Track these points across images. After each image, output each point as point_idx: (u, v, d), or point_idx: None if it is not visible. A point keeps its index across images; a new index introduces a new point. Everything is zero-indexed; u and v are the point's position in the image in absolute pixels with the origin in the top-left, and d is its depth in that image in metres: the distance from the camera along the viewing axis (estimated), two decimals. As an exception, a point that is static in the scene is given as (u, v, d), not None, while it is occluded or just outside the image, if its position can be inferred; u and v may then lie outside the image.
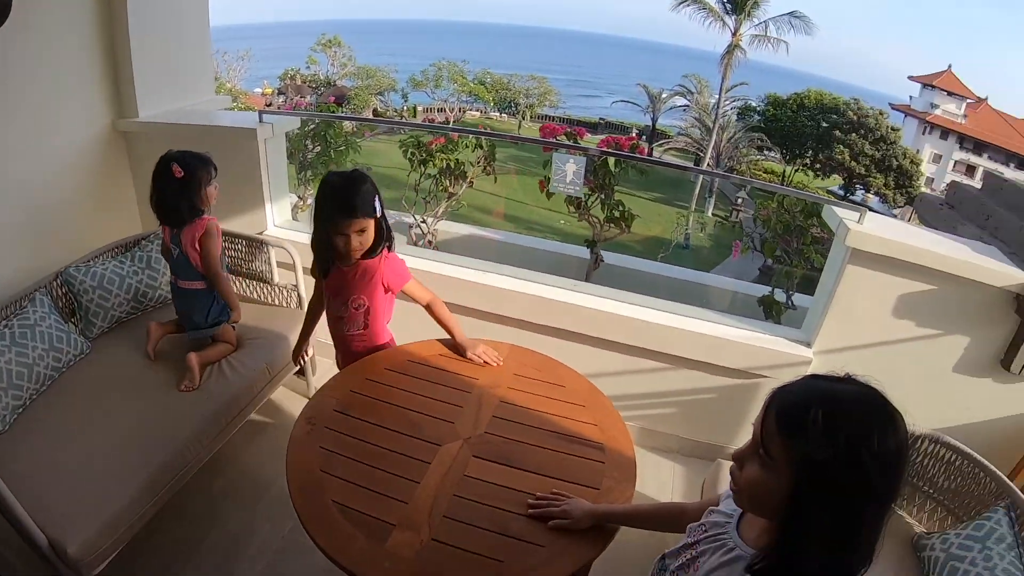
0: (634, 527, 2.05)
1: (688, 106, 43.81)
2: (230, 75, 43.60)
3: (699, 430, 3.88)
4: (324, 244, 2.69)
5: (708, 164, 36.67)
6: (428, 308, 2.95)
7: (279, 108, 39.68)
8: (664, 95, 46.77)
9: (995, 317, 3.33)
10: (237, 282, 3.92)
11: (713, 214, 36.64)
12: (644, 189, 37.54)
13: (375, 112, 47.21)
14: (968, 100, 49.12)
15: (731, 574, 1.42)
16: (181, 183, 3.13)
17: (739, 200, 37.28)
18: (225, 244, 3.74)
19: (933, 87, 49.25)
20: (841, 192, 40.71)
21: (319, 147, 5.41)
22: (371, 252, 2.72)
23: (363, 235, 2.63)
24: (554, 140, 4.35)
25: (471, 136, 5.14)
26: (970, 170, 47.57)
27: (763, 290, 4.97)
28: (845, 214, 3.24)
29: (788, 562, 1.26)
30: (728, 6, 35.18)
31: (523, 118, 48.11)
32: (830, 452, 1.17)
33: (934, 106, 49.03)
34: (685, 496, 3.63)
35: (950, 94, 48.91)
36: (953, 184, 4.37)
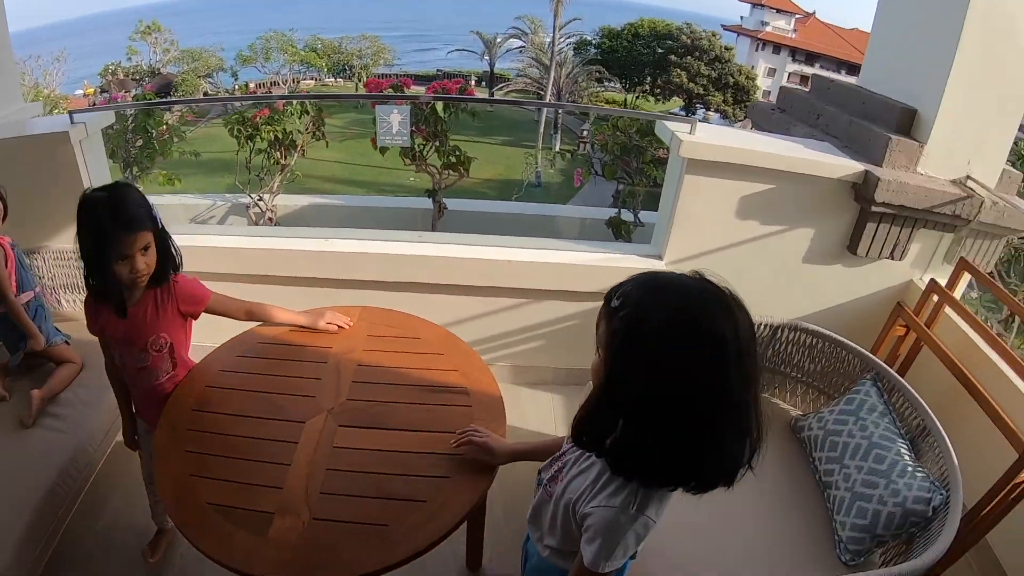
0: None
1: (524, 47, 43.75)
2: (47, 80, 40.69)
3: (569, 357, 3.87)
4: (105, 282, 2.19)
5: (549, 101, 36.98)
6: (248, 317, 2.59)
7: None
8: (499, 39, 46.55)
9: (836, 207, 3.48)
10: (73, 300, 3.61)
11: (561, 149, 36.91)
12: (488, 134, 37.63)
13: (205, 95, 45.13)
14: (797, 15, 51.91)
15: (588, 475, 1.48)
16: None
17: (584, 132, 37.62)
18: (53, 260, 3.52)
19: (762, 6, 51.61)
20: (683, 113, 41.74)
21: (141, 140, 5.02)
22: (158, 278, 2.26)
23: (148, 253, 2.15)
24: (380, 93, 4.16)
25: (295, 103, 4.81)
26: (804, 80, 49.85)
27: (609, 211, 5.00)
28: (677, 127, 3.25)
29: (589, 430, 1.37)
30: (554, -58, 35.10)
31: (359, 80, 46.89)
32: (636, 322, 1.23)
33: (764, 24, 51.46)
34: (568, 423, 3.59)
35: (779, 11, 51.52)
36: (784, 89, 4.44)
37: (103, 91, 40.88)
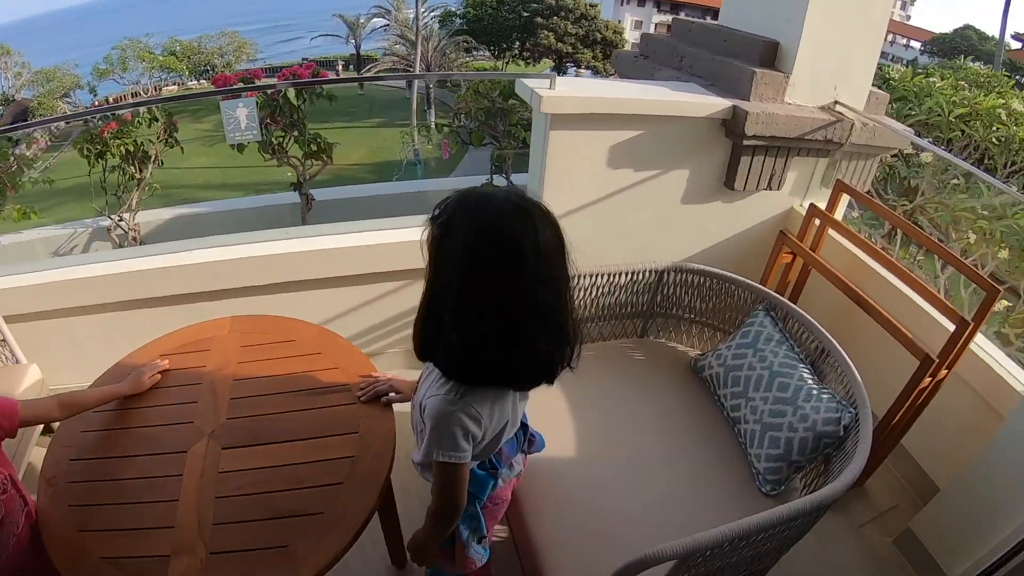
0: None
1: (388, 25, 43.19)
2: None
3: None
4: None
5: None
6: (64, 411, 2.08)
7: None
8: (362, 20, 45.93)
9: (708, 145, 3.47)
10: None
11: (436, 123, 36.73)
12: (362, 118, 37.21)
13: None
14: None
15: (432, 376, 1.61)
16: None
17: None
18: None
19: None
20: (555, 73, 41.86)
21: None
22: None
23: None
24: (228, 87, 3.92)
25: (143, 111, 4.49)
26: (670, 30, 51.04)
27: (498, 181, 4.86)
28: (536, 83, 3.14)
29: (421, 337, 1.50)
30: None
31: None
32: (441, 224, 1.38)
33: None
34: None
35: None
36: (646, 36, 4.41)
37: None
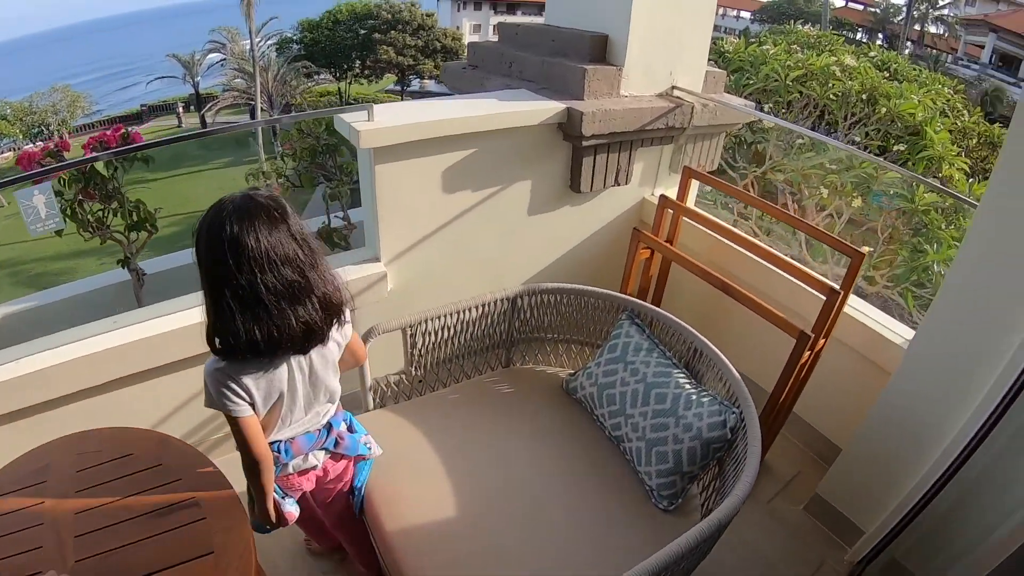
0: None
1: (225, 59, 42.06)
2: None
3: None
4: None
5: (261, 108, 36.09)
6: None
7: None
8: (197, 57, 44.69)
9: (548, 151, 3.37)
10: None
11: (281, 155, 35.97)
12: (208, 160, 36.20)
13: None
14: None
15: None
16: None
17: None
18: None
19: None
20: (398, 88, 41.98)
21: None
22: None
23: None
24: (30, 173, 3.43)
25: None
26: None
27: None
28: (352, 117, 2.88)
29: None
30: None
31: (60, 137, 43.16)
32: (195, 237, 1.62)
33: None
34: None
35: None
36: (472, 45, 4.24)
37: None
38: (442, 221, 3.25)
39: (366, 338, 2.44)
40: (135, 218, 3.90)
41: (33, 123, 42.13)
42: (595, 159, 3.40)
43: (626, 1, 3.23)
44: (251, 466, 1.85)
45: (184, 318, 2.95)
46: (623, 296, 2.76)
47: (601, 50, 3.42)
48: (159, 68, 49.54)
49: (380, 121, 2.84)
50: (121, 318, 2.99)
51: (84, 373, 2.82)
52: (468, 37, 47.33)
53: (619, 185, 3.59)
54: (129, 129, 3.78)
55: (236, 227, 1.56)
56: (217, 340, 1.67)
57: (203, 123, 42.12)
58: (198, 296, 2.89)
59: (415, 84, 42.67)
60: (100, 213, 3.86)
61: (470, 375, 2.97)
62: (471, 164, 3.15)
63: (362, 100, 42.60)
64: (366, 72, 41.72)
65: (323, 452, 2.08)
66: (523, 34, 3.93)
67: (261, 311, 1.62)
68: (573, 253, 3.77)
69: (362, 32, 40.68)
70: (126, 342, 2.86)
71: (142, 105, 52.75)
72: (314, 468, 2.08)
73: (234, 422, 1.77)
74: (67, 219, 3.78)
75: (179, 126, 46.38)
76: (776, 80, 6.01)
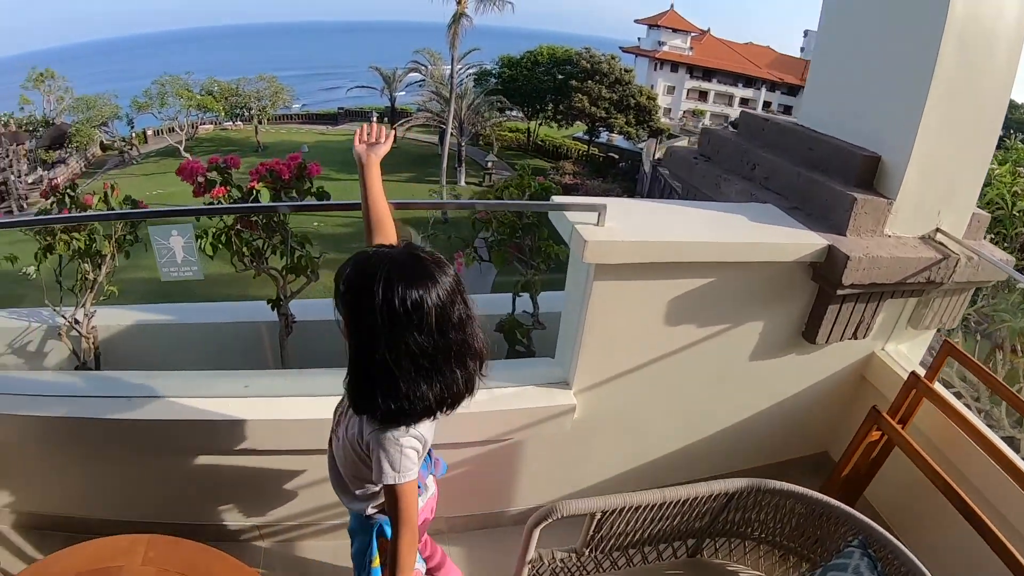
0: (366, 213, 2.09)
1: (424, 80, 43.63)
2: None
3: (467, 503, 3.07)
4: None
5: (452, 133, 36.54)
6: None
7: None
8: (399, 73, 46.67)
9: (789, 291, 2.80)
10: None
11: (466, 182, 36.84)
12: (393, 171, 37.61)
13: (102, 145, 44.03)
14: (692, 34, 54.66)
15: (359, 428, 1.75)
16: None
17: (489, 164, 37.77)
18: None
19: (659, 26, 53.80)
20: (586, 138, 42.13)
21: None
22: None
23: None
24: (189, 209, 3.04)
25: (98, 201, 3.69)
26: (702, 95, 54.15)
27: (502, 303, 3.94)
28: (579, 217, 2.38)
29: (356, 397, 1.66)
30: (448, -26, 34.85)
31: (259, 123, 45.92)
32: (348, 298, 1.56)
33: (661, 44, 53.97)
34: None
35: (675, 31, 53.97)
36: (705, 132, 3.69)
37: None
38: (651, 356, 2.72)
39: (543, 518, 1.95)
40: (296, 260, 3.48)
41: (236, 104, 45.03)
42: (840, 308, 2.78)
43: (912, 115, 2.61)
44: (415, 533, 1.80)
45: (308, 408, 2.68)
46: (863, 520, 2.13)
47: (870, 173, 2.80)
48: (361, 77, 52.24)
49: (612, 230, 2.32)
50: (254, 382, 2.78)
51: (196, 433, 2.70)
52: (662, 98, 47.35)
53: (856, 339, 2.96)
54: (306, 163, 3.34)
55: (418, 291, 1.51)
56: (392, 404, 1.59)
57: (393, 137, 43.60)
58: (335, 375, 2.58)
59: (603, 136, 42.71)
60: (260, 244, 3.46)
61: (647, 558, 2.36)
62: (701, 296, 2.61)
63: (549, 144, 43.03)
64: (558, 117, 42.08)
65: (430, 476, 2.13)
66: (772, 132, 3.34)
67: (436, 373, 1.58)
68: (783, 405, 3.19)
69: (559, 77, 41.38)
70: (251, 418, 2.64)
71: (339, 108, 55.44)
72: (432, 495, 2.14)
73: (410, 488, 1.73)
74: (221, 245, 3.43)
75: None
76: (1000, 207, 5.10)
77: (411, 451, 1.69)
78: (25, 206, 35.32)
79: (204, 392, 2.73)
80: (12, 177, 35.99)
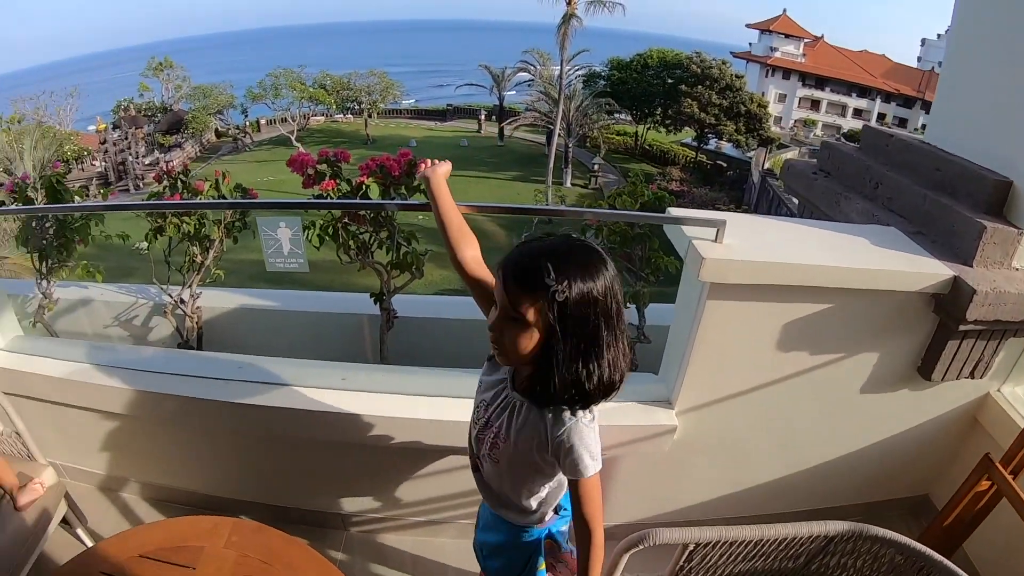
0: (442, 228, 2.07)
1: (533, 80, 43.84)
2: (60, 117, 41.65)
3: None
4: None
5: (559, 134, 36.48)
6: None
7: (115, 144, 37.91)
8: (507, 73, 46.84)
9: (907, 323, 2.61)
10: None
11: (572, 184, 36.77)
12: (499, 168, 37.96)
13: (217, 132, 45.90)
14: (805, 40, 53.06)
15: (532, 422, 1.74)
16: None
17: (596, 167, 37.59)
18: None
19: (771, 32, 52.54)
20: (694, 144, 41.55)
21: (53, 225, 4.09)
22: None
23: None
24: (310, 201, 3.10)
25: (209, 188, 3.80)
26: (814, 105, 52.28)
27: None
28: (696, 232, 2.31)
29: (545, 383, 1.62)
30: (559, -26, 34.75)
31: (368, 116, 47.06)
32: (564, 294, 1.52)
33: (773, 49, 52.52)
34: None
35: (787, 36, 52.57)
36: (825, 146, 3.54)
37: (115, 127, 41.06)
38: (758, 380, 2.62)
39: (634, 544, 1.88)
40: (401, 255, 3.50)
41: (347, 98, 46.34)
42: (960, 344, 2.60)
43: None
44: (601, 534, 1.82)
45: (406, 407, 2.73)
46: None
47: (1000, 200, 2.61)
48: (470, 75, 52.94)
49: (731, 247, 2.24)
50: (352, 375, 2.84)
51: (290, 422, 2.78)
52: (773, 106, 46.38)
53: (972, 378, 2.77)
54: (416, 160, 3.34)
55: (609, 279, 1.57)
56: (587, 386, 1.60)
57: (501, 135, 44.18)
58: (433, 377, 2.82)
59: (712, 143, 42.06)
60: (366, 237, 3.49)
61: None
62: (815, 321, 2.49)
63: (657, 148, 42.63)
64: (666, 121, 41.60)
65: None
66: (896, 149, 3.18)
67: (622, 357, 1.62)
68: (888, 442, 3.01)
69: (669, 81, 40.86)
70: (347, 411, 2.71)
71: (448, 104, 56.18)
72: None
73: (598, 480, 1.76)
74: (328, 237, 3.51)
75: (478, 131, 49.23)
76: None
77: (597, 437, 1.72)
78: (141, 186, 37.29)
79: (303, 381, 2.82)
80: (130, 158, 38.32)
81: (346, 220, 3.42)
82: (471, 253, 2.00)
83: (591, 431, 1.70)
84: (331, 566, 2.09)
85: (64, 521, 2.79)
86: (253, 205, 3.01)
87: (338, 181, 3.42)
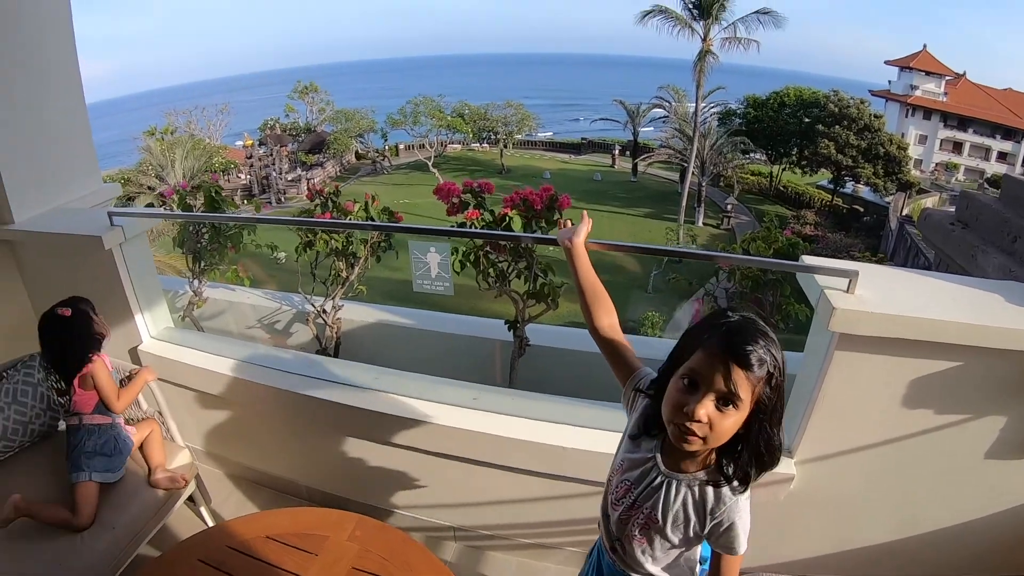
0: (581, 293, 2.09)
1: (667, 117, 43.73)
2: (210, 131, 44.86)
3: None
4: None
5: (693, 172, 36.14)
6: None
7: (260, 159, 40.05)
8: (642, 108, 46.67)
9: None
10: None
11: (704, 223, 36.31)
12: (632, 205, 37.93)
13: (356, 154, 47.75)
14: (947, 78, 50.34)
15: (691, 500, 1.71)
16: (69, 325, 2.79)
17: (729, 207, 36.98)
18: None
19: (911, 69, 50.26)
20: (830, 186, 40.36)
21: (208, 231, 4.42)
22: None
23: None
24: (444, 229, 3.23)
25: (358, 210, 4.05)
26: (957, 147, 49.10)
27: None
28: (829, 282, 2.32)
29: (730, 461, 1.64)
30: (694, 12, 34.52)
31: (504, 146, 47.91)
32: (773, 380, 1.52)
33: (913, 88, 50.01)
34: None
35: (928, 74, 49.98)
36: (963, 196, 3.48)
37: (261, 144, 43.99)
38: (880, 437, 2.56)
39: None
40: (538, 286, 3.61)
41: (484, 127, 47.32)
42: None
43: None
44: None
45: (533, 431, 2.84)
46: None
47: None
48: (604, 110, 53.14)
49: (863, 299, 2.24)
50: (483, 396, 3.01)
51: (420, 434, 2.96)
52: (913, 148, 44.51)
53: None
54: (558, 195, 3.46)
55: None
56: (765, 462, 1.64)
57: (634, 170, 44.28)
58: (558, 406, 2.89)
59: (848, 186, 40.75)
60: (505, 266, 3.64)
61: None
62: (944, 379, 2.41)
63: (792, 190, 41.69)
64: (802, 162, 40.55)
65: None
66: (1039, 201, 3.10)
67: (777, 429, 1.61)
68: (1012, 513, 2.81)
69: (806, 120, 39.85)
70: (474, 429, 2.87)
71: (583, 138, 56.64)
72: None
73: (741, 558, 1.80)
74: (468, 263, 3.67)
75: (612, 166, 49.28)
76: None
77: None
78: (283, 200, 39.89)
79: (434, 396, 3.01)
80: (274, 173, 40.75)
81: (487, 249, 3.57)
82: (608, 321, 2.01)
83: (746, 510, 1.71)
84: (448, 571, 2.18)
85: (190, 499, 3.06)
86: (400, 229, 3.16)
87: (481, 211, 3.58)
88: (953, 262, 3.35)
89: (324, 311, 4.17)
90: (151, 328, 3.59)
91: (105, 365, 2.81)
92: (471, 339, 4.16)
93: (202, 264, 4.42)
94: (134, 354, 3.52)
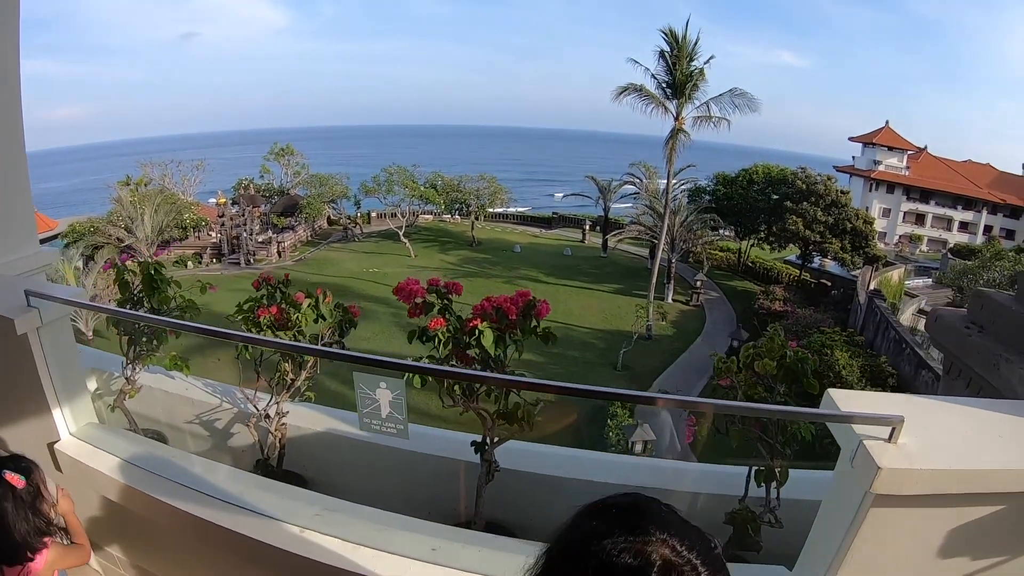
0: None
1: (638, 193, 44.63)
2: (184, 185, 46.06)
3: None
4: None
5: (663, 248, 36.24)
6: None
7: (232, 219, 40.08)
8: (613, 184, 47.56)
9: None
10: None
11: (673, 299, 36.39)
12: (601, 280, 38.33)
13: (328, 220, 47.88)
14: (909, 151, 52.88)
15: None
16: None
17: (698, 283, 37.13)
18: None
19: (874, 144, 52.70)
20: (798, 261, 40.75)
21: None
22: None
23: None
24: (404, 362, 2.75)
25: (308, 308, 3.56)
26: (919, 218, 52.20)
27: (733, 482, 3.22)
28: (868, 431, 1.95)
29: None
30: (668, 91, 34.88)
31: (475, 218, 47.91)
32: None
33: (877, 163, 52.77)
34: None
35: (891, 148, 52.85)
36: (977, 296, 3.18)
37: (234, 203, 43.75)
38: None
39: None
40: (510, 405, 3.11)
41: (456, 199, 48.10)
42: None
43: None
44: None
45: None
46: None
47: None
48: (579, 185, 53.89)
49: (908, 451, 1.88)
50: (444, 547, 2.55)
51: None
52: (877, 221, 45.55)
53: None
54: (536, 301, 3.05)
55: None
56: None
57: (604, 246, 44.96)
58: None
59: (815, 261, 41.17)
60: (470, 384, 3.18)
61: None
62: (984, 527, 2.09)
63: (760, 266, 42.03)
64: (770, 238, 40.98)
65: None
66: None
67: None
68: None
69: (774, 197, 40.53)
70: None
71: (554, 212, 57.62)
72: None
73: None
74: (431, 379, 3.09)
75: (582, 241, 49.90)
76: None
77: None
78: (252, 261, 40.33)
79: (384, 544, 2.56)
80: (244, 234, 40.95)
81: (453, 361, 3.12)
82: None
83: None
84: None
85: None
86: (342, 357, 2.61)
87: (447, 318, 3.13)
88: (971, 371, 3.04)
89: (267, 416, 3.67)
90: (70, 424, 3.24)
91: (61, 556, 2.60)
92: (434, 458, 3.56)
93: (137, 348, 3.93)
94: (52, 450, 3.16)
